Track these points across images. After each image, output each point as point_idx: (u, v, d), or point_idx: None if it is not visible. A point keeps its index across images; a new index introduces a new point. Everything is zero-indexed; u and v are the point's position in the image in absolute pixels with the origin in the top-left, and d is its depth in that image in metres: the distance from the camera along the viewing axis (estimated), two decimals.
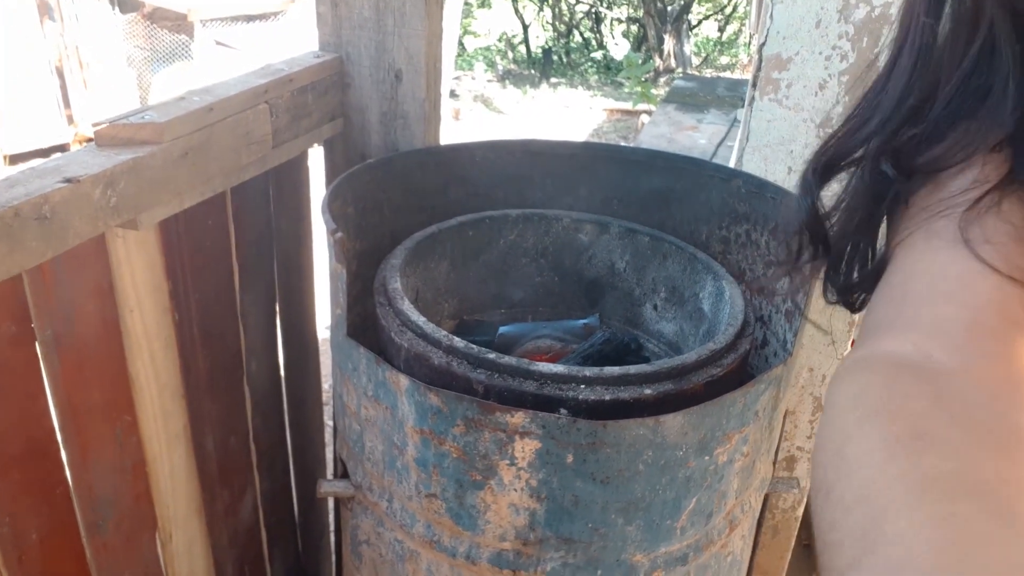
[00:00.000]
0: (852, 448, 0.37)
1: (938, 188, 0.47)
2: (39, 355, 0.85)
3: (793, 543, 1.51)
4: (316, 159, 1.31)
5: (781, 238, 0.60)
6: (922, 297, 0.44)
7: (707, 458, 0.86)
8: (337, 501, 1.28)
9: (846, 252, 0.57)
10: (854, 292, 0.58)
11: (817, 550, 0.37)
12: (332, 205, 1.01)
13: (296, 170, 1.25)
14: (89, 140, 0.91)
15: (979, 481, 0.34)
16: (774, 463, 1.06)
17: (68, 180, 0.80)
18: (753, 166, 1.27)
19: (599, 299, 1.31)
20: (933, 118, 0.48)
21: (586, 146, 1.32)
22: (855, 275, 0.57)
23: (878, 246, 0.55)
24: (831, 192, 0.55)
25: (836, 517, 0.35)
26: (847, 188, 0.54)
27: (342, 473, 1.06)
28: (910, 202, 0.49)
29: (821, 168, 0.55)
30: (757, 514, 1.07)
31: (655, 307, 1.25)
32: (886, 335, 0.43)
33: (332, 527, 1.64)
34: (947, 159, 0.47)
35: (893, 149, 0.50)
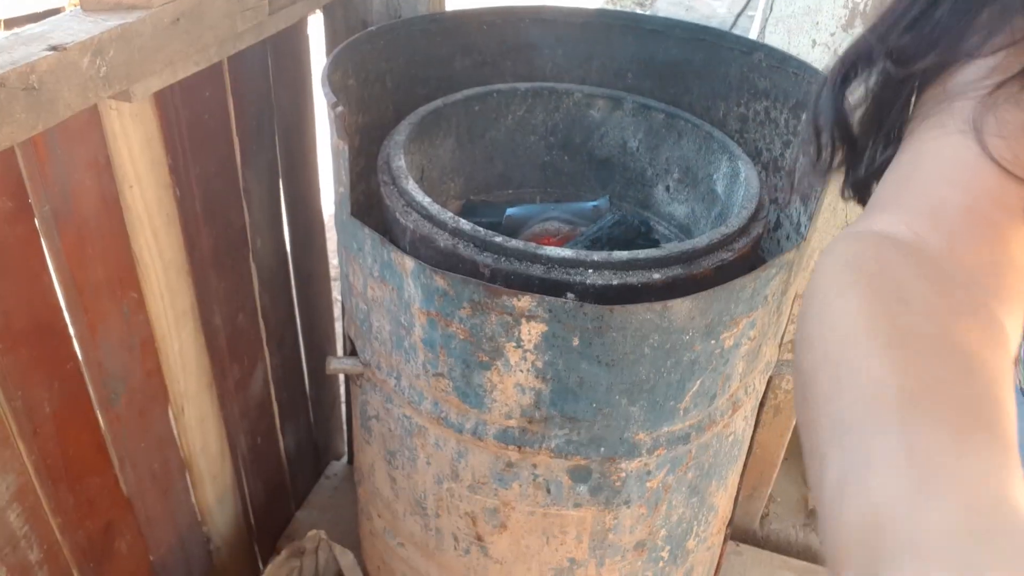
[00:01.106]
0: (833, 309, 0.39)
1: (960, 72, 0.46)
2: (39, 232, 0.83)
3: (794, 423, 1.54)
4: (316, 31, 1.24)
5: (808, 137, 0.58)
6: (925, 179, 0.44)
7: (713, 342, 0.86)
8: (347, 377, 1.30)
9: (868, 147, 0.55)
10: (871, 184, 0.56)
11: (795, 404, 0.39)
12: (332, 76, 0.97)
13: (295, 39, 1.19)
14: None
15: (951, 341, 0.36)
16: (780, 346, 1.06)
17: (54, 48, 0.75)
18: (776, 38, 1.20)
19: (610, 180, 1.27)
20: (950, 5, 0.46)
21: (600, 13, 1.25)
22: (875, 165, 0.55)
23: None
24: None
25: (816, 389, 0.37)
26: (874, 83, 0.52)
27: (351, 350, 1.07)
28: (932, 84, 0.48)
29: (848, 67, 0.53)
30: (760, 395, 1.08)
31: (667, 188, 1.22)
32: (882, 214, 0.45)
33: (343, 400, 1.68)
34: (965, 48, 0.45)
35: (902, 44, 0.49)
